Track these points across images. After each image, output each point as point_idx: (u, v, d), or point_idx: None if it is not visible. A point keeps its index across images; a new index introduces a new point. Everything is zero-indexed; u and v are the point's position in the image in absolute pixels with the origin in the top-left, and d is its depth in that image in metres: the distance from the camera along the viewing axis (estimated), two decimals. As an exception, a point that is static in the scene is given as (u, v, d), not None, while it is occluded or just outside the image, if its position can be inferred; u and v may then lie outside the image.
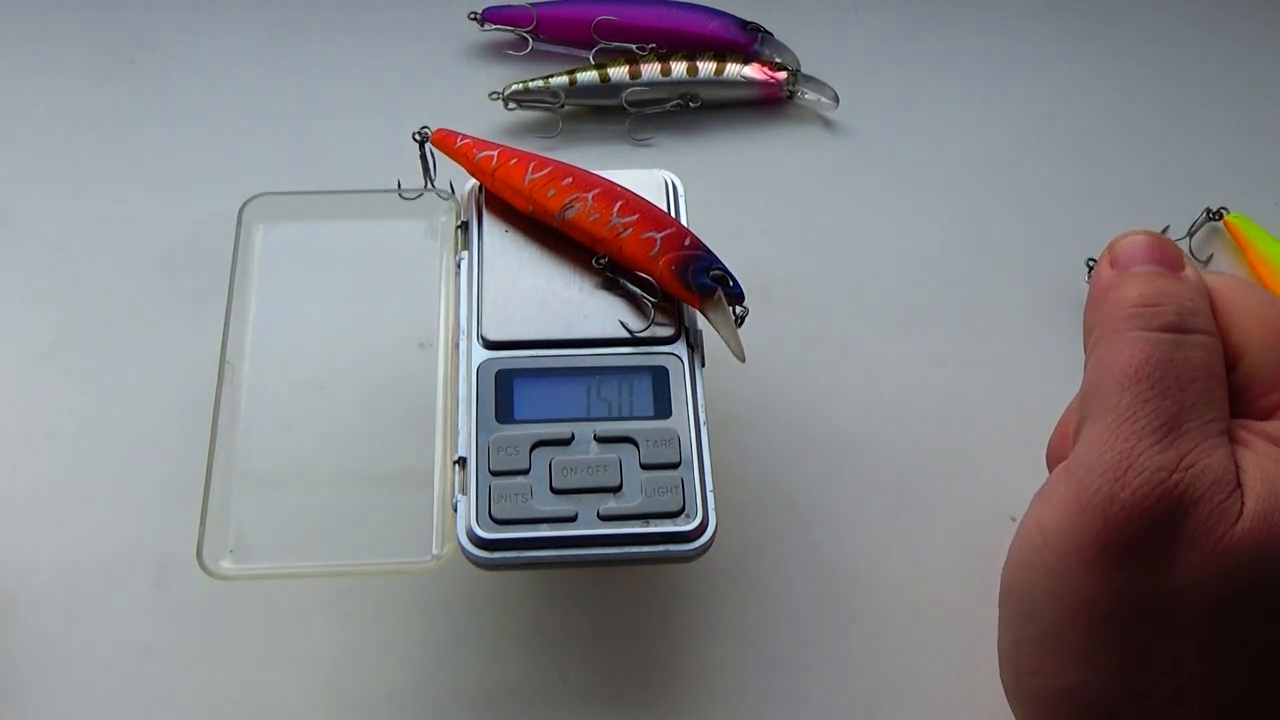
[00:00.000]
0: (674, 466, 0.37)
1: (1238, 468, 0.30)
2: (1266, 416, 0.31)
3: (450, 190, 0.44)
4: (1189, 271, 0.34)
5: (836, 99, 0.57)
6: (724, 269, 0.40)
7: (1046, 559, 0.31)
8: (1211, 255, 0.53)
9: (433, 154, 0.44)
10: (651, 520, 0.36)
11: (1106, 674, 0.30)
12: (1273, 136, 0.58)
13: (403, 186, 0.44)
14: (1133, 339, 0.31)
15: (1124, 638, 0.30)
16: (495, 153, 0.42)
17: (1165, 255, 0.34)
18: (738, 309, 0.40)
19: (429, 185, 0.44)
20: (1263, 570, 0.29)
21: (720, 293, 0.39)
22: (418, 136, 0.44)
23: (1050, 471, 0.37)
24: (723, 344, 0.39)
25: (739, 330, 0.40)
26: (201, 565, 0.37)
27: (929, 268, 0.52)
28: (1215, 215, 0.53)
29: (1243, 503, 0.29)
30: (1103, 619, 0.30)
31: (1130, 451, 0.29)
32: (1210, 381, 0.31)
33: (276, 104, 0.56)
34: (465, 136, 0.44)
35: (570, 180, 0.41)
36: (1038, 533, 0.31)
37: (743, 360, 0.39)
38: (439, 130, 0.44)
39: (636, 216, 0.40)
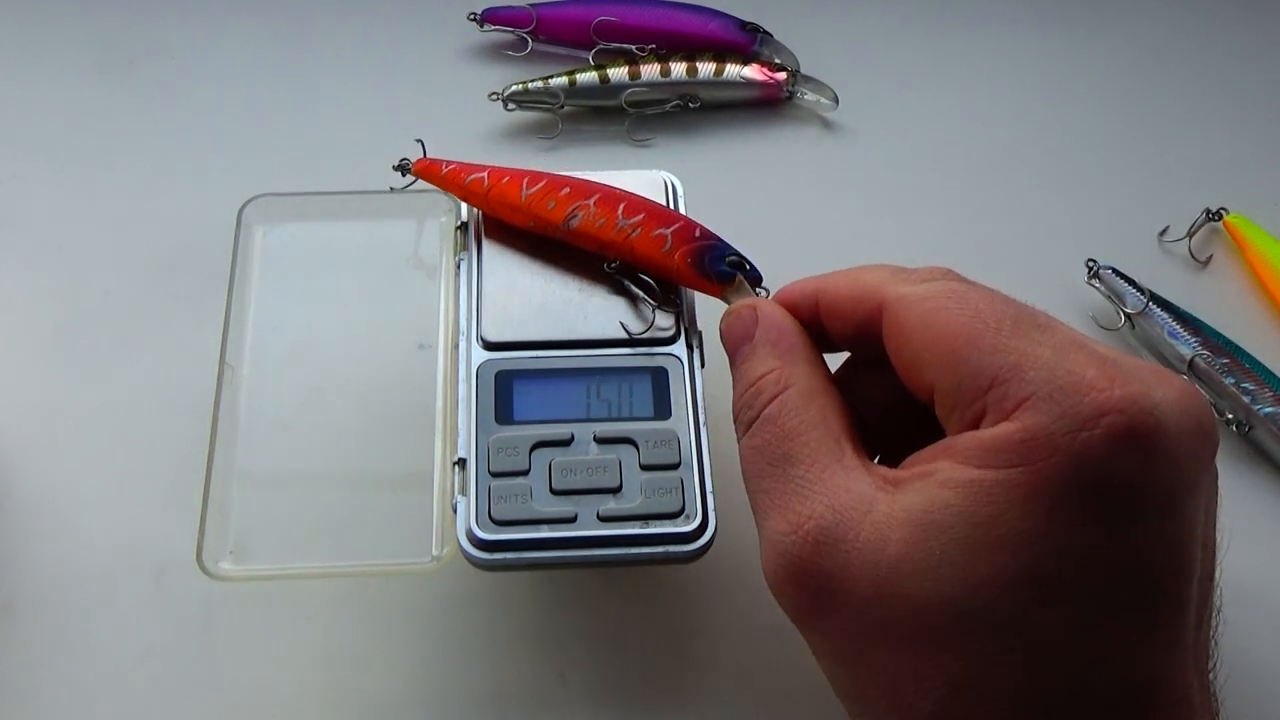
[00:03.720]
0: (674, 467, 0.37)
1: (907, 483, 0.31)
2: (976, 424, 0.31)
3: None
4: (756, 338, 0.36)
5: (836, 99, 0.57)
6: (738, 254, 0.40)
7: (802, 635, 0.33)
8: (1211, 255, 0.53)
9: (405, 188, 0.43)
10: (651, 521, 0.36)
11: (875, 707, 0.31)
12: (1273, 136, 0.58)
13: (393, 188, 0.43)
14: (740, 451, 0.35)
15: (864, 671, 0.31)
16: (485, 174, 0.41)
17: (738, 332, 0.36)
18: (759, 290, 0.40)
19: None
20: (928, 583, 0.29)
21: (741, 277, 0.39)
22: (397, 168, 0.42)
23: None
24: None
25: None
26: (201, 566, 0.37)
27: (929, 268, 0.52)
28: (1215, 215, 0.53)
29: (890, 529, 0.30)
30: (844, 663, 0.32)
31: (767, 536, 0.32)
32: (790, 443, 0.33)
33: (276, 104, 0.56)
34: (450, 162, 0.42)
35: (568, 190, 0.41)
36: None
37: None
38: (420, 161, 0.42)
39: (643, 215, 0.40)
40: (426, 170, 0.42)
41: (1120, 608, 0.29)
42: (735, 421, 0.35)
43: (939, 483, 0.30)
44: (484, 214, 0.42)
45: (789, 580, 0.32)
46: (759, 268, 0.40)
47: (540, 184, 0.41)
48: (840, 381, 0.36)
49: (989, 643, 0.29)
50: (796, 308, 0.36)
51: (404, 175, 0.43)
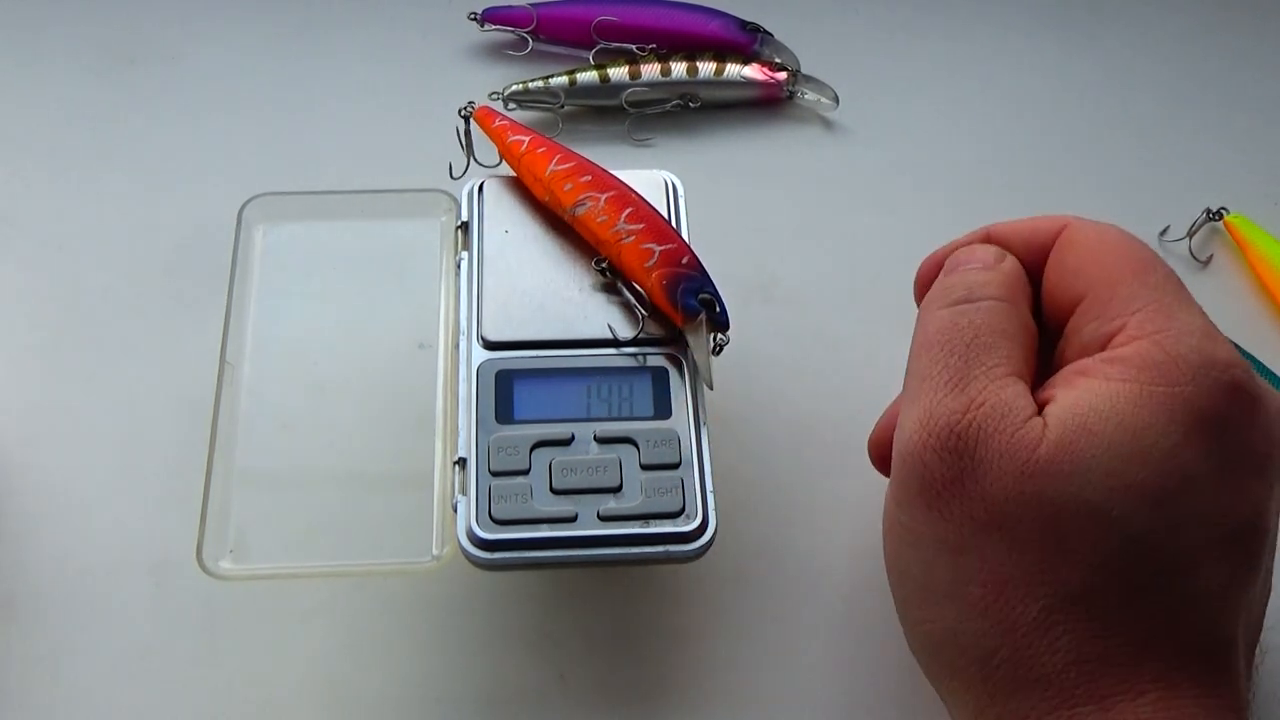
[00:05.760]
0: (674, 467, 0.37)
1: (1050, 401, 0.33)
2: (1106, 344, 0.33)
3: (499, 161, 0.44)
4: (1006, 263, 0.37)
5: (836, 99, 0.57)
6: (714, 294, 0.39)
7: (900, 518, 0.34)
8: (1211, 255, 0.53)
9: (468, 135, 0.44)
10: (651, 521, 0.36)
11: (974, 607, 0.32)
12: (1273, 136, 0.58)
13: (452, 168, 0.44)
14: (928, 317, 0.36)
15: (975, 567, 0.32)
16: (527, 139, 0.43)
17: (976, 256, 0.38)
18: (719, 336, 0.39)
19: (473, 159, 0.45)
20: (1072, 486, 0.31)
21: (703, 317, 0.39)
22: (463, 112, 0.44)
23: (872, 460, 0.40)
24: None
25: (715, 359, 0.39)
26: (201, 565, 0.37)
27: (929, 268, 0.52)
28: (1215, 215, 0.53)
29: (1045, 430, 0.32)
30: (954, 553, 0.32)
31: (930, 404, 0.33)
32: (994, 335, 0.34)
33: (277, 104, 0.56)
34: (504, 118, 0.45)
35: (589, 178, 0.41)
36: (890, 500, 0.35)
37: (711, 388, 0.39)
38: (482, 108, 0.45)
39: (642, 226, 0.40)
40: (484, 118, 0.45)
41: (1222, 556, 0.31)
42: (934, 287, 0.37)
43: (1090, 390, 0.32)
44: (487, 209, 0.43)
45: (938, 449, 0.32)
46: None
47: (568, 164, 0.42)
48: None
49: (1114, 555, 0.31)
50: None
51: (465, 122, 0.45)
